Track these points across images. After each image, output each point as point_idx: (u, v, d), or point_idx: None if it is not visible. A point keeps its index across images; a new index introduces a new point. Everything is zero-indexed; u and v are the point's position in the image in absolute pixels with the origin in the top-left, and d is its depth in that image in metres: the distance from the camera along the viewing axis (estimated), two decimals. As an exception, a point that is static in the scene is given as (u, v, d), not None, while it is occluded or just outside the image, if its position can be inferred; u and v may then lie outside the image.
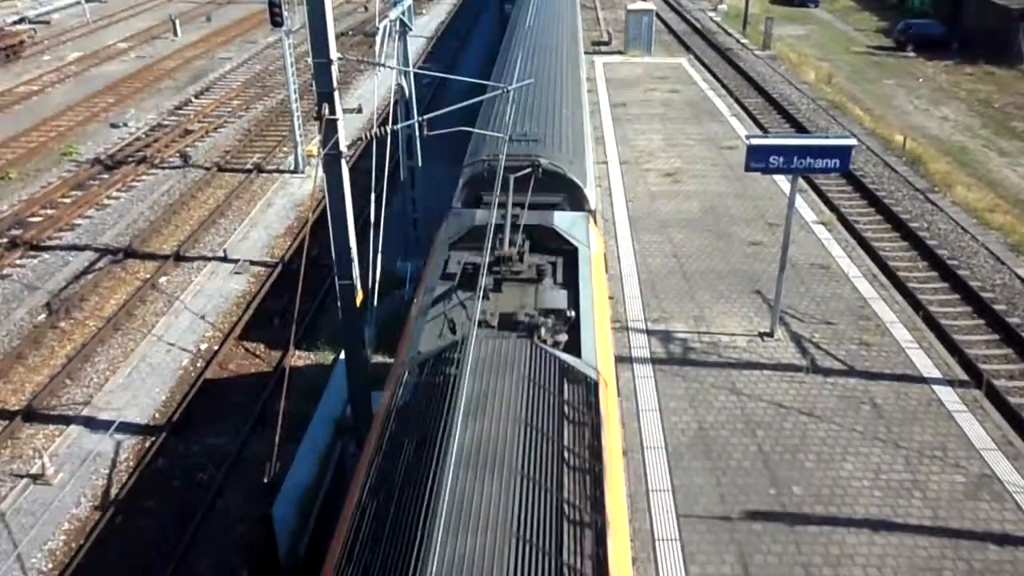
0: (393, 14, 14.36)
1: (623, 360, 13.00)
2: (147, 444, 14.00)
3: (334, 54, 9.54)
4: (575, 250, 9.41)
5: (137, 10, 52.45)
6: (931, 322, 15.85)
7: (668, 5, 51.38)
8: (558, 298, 8.31)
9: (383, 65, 11.51)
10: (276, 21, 21.97)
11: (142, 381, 15.65)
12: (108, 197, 23.66)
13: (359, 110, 10.32)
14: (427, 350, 7.57)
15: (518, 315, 7.90)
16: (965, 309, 17.46)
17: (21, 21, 47.00)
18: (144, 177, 25.11)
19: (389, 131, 10.92)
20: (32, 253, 20.43)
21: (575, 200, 11.56)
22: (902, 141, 27.00)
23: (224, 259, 20.24)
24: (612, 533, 5.69)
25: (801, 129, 28.39)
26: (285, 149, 27.04)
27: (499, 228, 9.02)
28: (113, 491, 13.03)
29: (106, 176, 25.05)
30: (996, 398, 13.67)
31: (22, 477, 13.21)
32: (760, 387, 12.37)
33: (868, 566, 9.27)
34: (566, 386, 6.99)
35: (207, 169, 25.53)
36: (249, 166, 25.80)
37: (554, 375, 7.05)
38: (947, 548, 9.51)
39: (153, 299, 18.53)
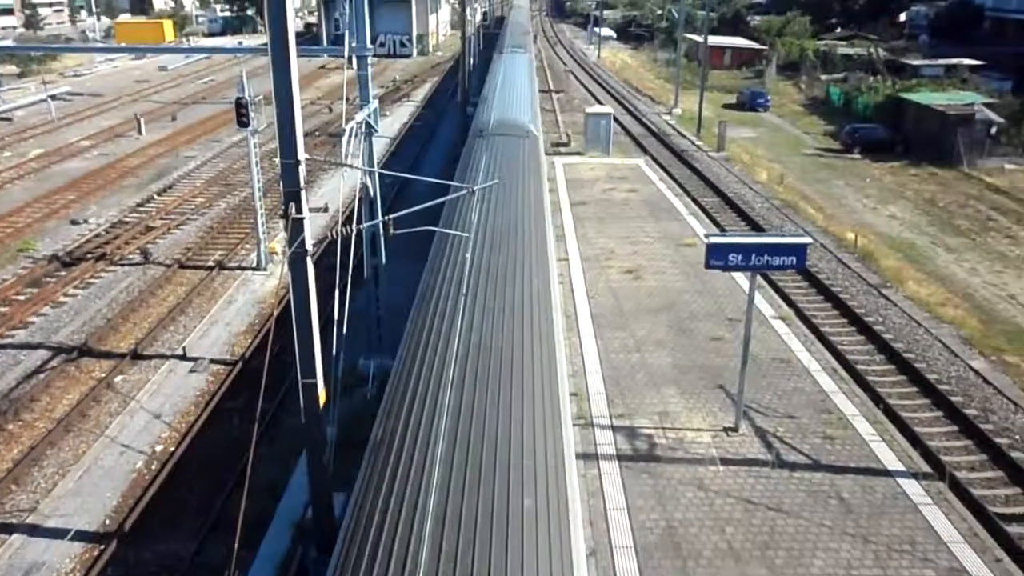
0: (360, 116, 14.68)
1: (589, 457, 12.89)
2: (96, 553, 13.39)
3: (302, 155, 9.68)
4: None
5: (102, 109, 52.97)
6: (892, 415, 16.02)
7: (625, 109, 53.24)
8: None
9: (350, 166, 11.69)
10: (242, 122, 22.29)
11: (93, 485, 15.08)
12: (64, 294, 23.31)
13: (325, 209, 10.42)
14: None
15: None
16: (924, 401, 17.72)
17: (-17, 119, 47.10)
18: (103, 274, 24.84)
19: (354, 229, 11.01)
20: (-18, 352, 19.91)
21: None
22: (854, 238, 27.85)
23: (183, 357, 19.90)
24: None
25: (756, 227, 29.19)
26: (248, 246, 27.03)
27: None
28: (57, 603, 12.38)
29: (63, 273, 24.74)
30: (959, 490, 13.74)
31: (-40, 590, 12.53)
32: (727, 483, 12.31)
33: (843, 668, 9.08)
34: None
35: (168, 266, 25.37)
36: (211, 263, 25.70)
37: None
38: (921, 647, 9.37)
39: (108, 399, 18.06)
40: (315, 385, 10.74)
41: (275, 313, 20.77)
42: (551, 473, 7.33)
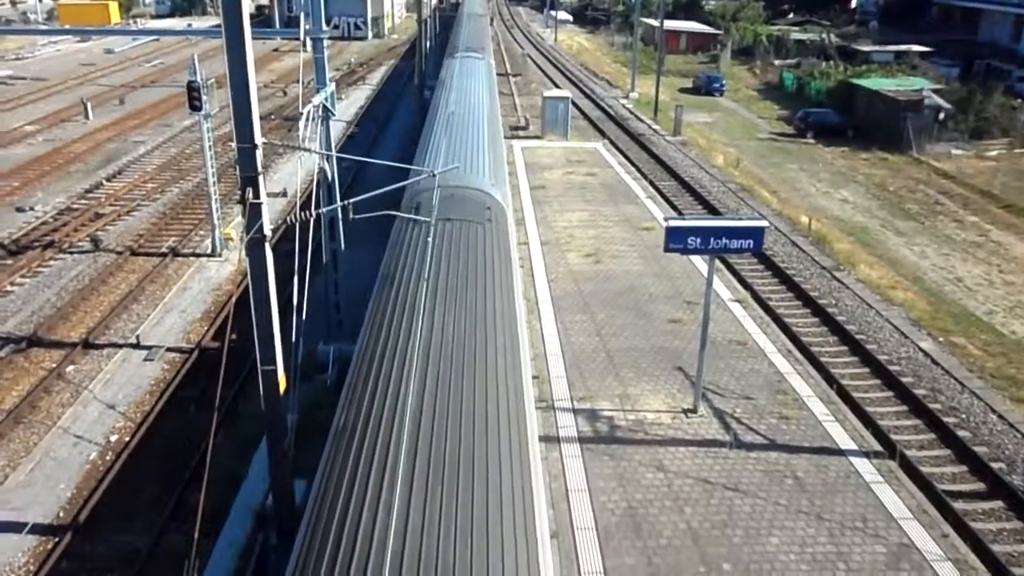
0: (316, 100, 14.49)
1: (550, 440, 12.97)
2: (50, 546, 13.15)
3: (259, 139, 9.54)
4: None
5: (47, 93, 51.48)
6: (845, 395, 16.38)
7: (583, 93, 53.28)
8: None
9: (307, 150, 11.54)
10: (195, 106, 21.87)
11: (46, 478, 14.78)
12: (11, 284, 22.69)
13: (284, 194, 10.29)
14: None
15: None
16: (875, 382, 18.13)
17: (-79, 103, 45.52)
18: (51, 263, 24.24)
19: (312, 214, 10.89)
20: (-74, 343, 19.36)
21: None
22: (807, 222, 28.31)
23: (137, 346, 19.54)
24: None
25: (713, 211, 29.51)
26: (202, 232, 26.56)
27: None
28: (11, 598, 12.15)
29: (9, 262, 24.08)
30: (909, 468, 14.12)
31: (-92, 586, 12.21)
32: (686, 464, 12.49)
33: (800, 642, 9.29)
34: None
35: (119, 253, 24.84)
36: (164, 250, 25.21)
37: None
38: (874, 620, 9.62)
39: (59, 389, 17.68)
40: (275, 372, 10.64)
41: (233, 299, 20.50)
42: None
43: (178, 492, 14.25)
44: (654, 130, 43.40)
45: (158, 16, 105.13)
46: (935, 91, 44.81)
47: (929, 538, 10.99)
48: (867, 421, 15.46)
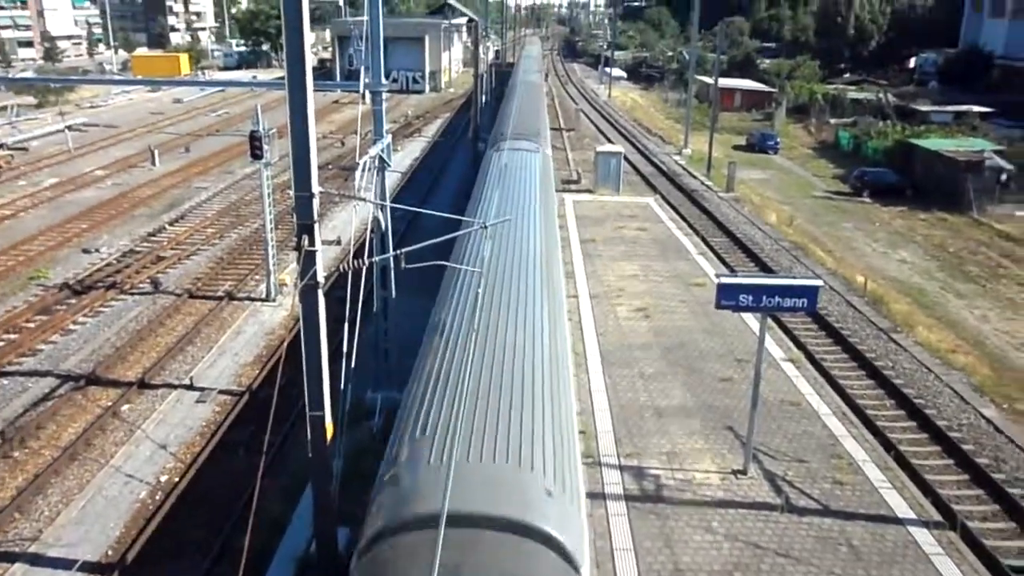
0: (373, 151, 14.79)
1: (596, 497, 12.76)
2: (96, 583, 13.28)
3: (316, 187, 9.74)
4: None
5: (117, 140, 53.56)
6: (902, 461, 15.85)
7: (635, 148, 53.57)
8: None
9: (362, 199, 11.75)
10: (256, 154, 22.51)
11: (97, 515, 14.98)
12: (74, 322, 23.37)
13: (338, 242, 10.46)
14: None
15: None
16: (934, 448, 17.53)
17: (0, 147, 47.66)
18: (113, 303, 24.92)
19: (365, 263, 11.04)
20: (-10, 378, 19.93)
21: None
22: (863, 282, 27.79)
23: (190, 387, 19.87)
24: None
25: (766, 268, 29.17)
26: (257, 277, 27.10)
27: None
28: (56, 634, 12.24)
29: (73, 301, 24.82)
30: (971, 540, 13.54)
31: (-42, 618, 12.40)
32: (736, 526, 12.16)
33: None
34: None
35: (178, 296, 25.45)
36: (220, 293, 25.76)
37: None
38: None
39: (114, 428, 18.02)
40: (323, 418, 10.69)
41: (284, 344, 20.76)
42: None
43: (224, 535, 14.30)
44: (707, 186, 43.30)
45: (225, 68, 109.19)
46: (996, 152, 43.99)
47: (992, 616, 10.49)
48: (926, 489, 14.93)
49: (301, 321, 10.42)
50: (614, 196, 34.63)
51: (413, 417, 8.64)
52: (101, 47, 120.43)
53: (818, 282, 13.30)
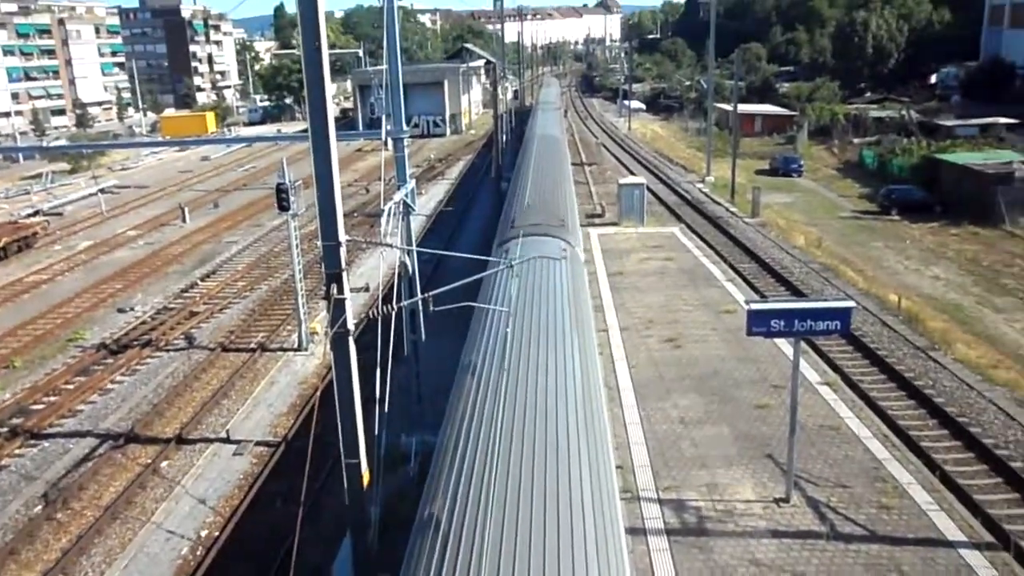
0: (397, 196, 14.99)
1: (636, 532, 12.59)
2: (141, 641, 13.30)
3: (343, 236, 9.88)
4: None
5: (148, 200, 54.72)
6: (949, 482, 15.48)
7: (658, 178, 53.64)
8: None
9: (389, 245, 11.89)
10: (283, 206, 22.87)
11: (140, 574, 15.05)
12: (112, 382, 23.71)
13: (366, 289, 10.57)
14: None
15: None
16: (981, 467, 17.11)
17: (35, 214, 48.88)
18: (148, 360, 25.27)
19: (394, 308, 11.13)
20: (32, 442, 20.22)
21: None
22: (897, 300, 27.41)
23: (226, 440, 20.01)
24: None
25: (796, 292, 28.88)
26: (289, 327, 27.37)
27: None
28: None
29: (110, 360, 25.22)
30: (1027, 561, 13.15)
31: None
32: (781, 556, 11.91)
33: None
34: None
35: (211, 350, 25.74)
36: (253, 345, 26.03)
37: None
38: None
39: (153, 485, 18.16)
40: (358, 465, 10.72)
41: (318, 393, 20.88)
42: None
43: (265, 587, 14.30)
44: (731, 212, 43.16)
45: (250, 123, 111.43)
46: (1025, 162, 43.47)
47: (1054, 639, 10.14)
48: (976, 510, 14.55)
49: (333, 369, 10.51)
50: (639, 228, 34.62)
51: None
52: (130, 110, 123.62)
53: (850, 303, 13.14)
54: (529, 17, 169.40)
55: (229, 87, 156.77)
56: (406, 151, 16.58)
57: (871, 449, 14.95)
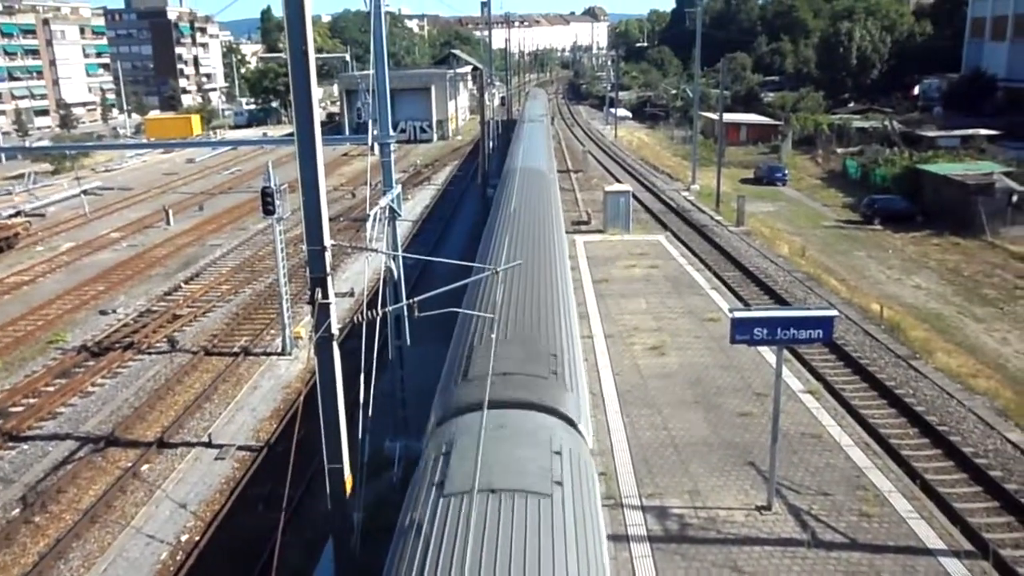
0: (383, 201, 14.97)
1: (619, 539, 12.61)
2: (120, 646, 13.18)
3: (328, 241, 9.86)
4: None
5: (132, 202, 54.38)
6: (929, 490, 15.60)
7: (643, 186, 53.82)
8: None
9: (374, 250, 11.87)
10: (268, 210, 22.80)
11: (118, 577, 14.94)
12: (93, 384, 23.51)
13: (351, 294, 10.54)
14: None
15: None
16: (961, 476, 17.26)
17: (17, 215, 48.46)
18: (130, 363, 25.09)
19: (379, 313, 11.11)
20: (10, 444, 20.03)
21: None
22: (879, 309, 27.63)
23: (208, 444, 19.89)
24: None
25: (780, 301, 29.05)
26: (273, 332, 27.25)
27: None
28: None
29: (92, 363, 25.01)
30: (1005, 569, 13.27)
31: None
32: (762, 564, 11.97)
33: None
34: None
35: (194, 353, 25.59)
36: (236, 349, 25.90)
37: None
38: None
39: (134, 488, 18.02)
40: (341, 470, 10.68)
41: (301, 398, 20.80)
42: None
43: (245, 593, 14.21)
44: (716, 221, 43.38)
45: (236, 126, 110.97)
46: (1006, 174, 43.93)
47: (1031, 646, 10.23)
48: (955, 518, 14.68)
49: (317, 374, 10.48)
50: (624, 235, 34.72)
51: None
52: (115, 112, 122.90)
53: (833, 312, 13.25)
54: (516, 24, 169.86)
55: (215, 90, 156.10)
56: (392, 156, 16.55)
57: (852, 457, 15.05)
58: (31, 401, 22.33)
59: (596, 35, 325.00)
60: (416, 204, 50.89)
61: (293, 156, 9.83)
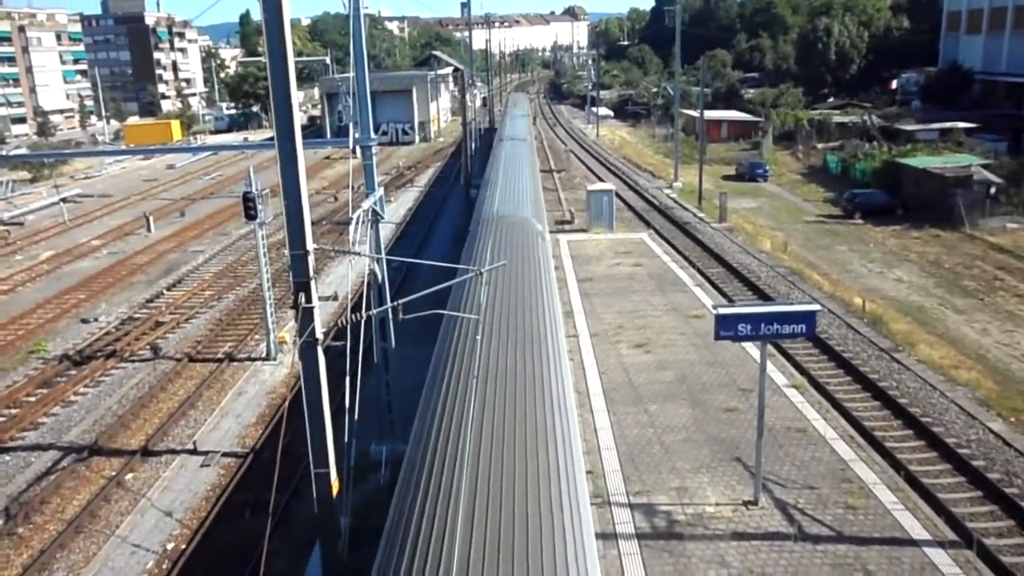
0: (366, 204, 14.93)
1: (607, 537, 12.64)
2: (107, 657, 13.08)
3: (310, 245, 9.83)
4: None
5: (112, 208, 53.96)
6: (913, 482, 15.72)
7: (626, 185, 53.95)
8: None
9: (357, 253, 11.84)
10: (250, 215, 22.67)
11: (104, 587, 14.82)
12: (75, 393, 23.31)
13: (335, 297, 10.52)
14: None
15: None
16: (945, 467, 17.41)
17: (-5, 224, 47.99)
18: (113, 371, 24.89)
19: (363, 316, 11.09)
20: (-7, 455, 19.83)
21: None
22: (861, 303, 27.82)
23: (193, 451, 19.76)
24: None
25: (763, 296, 29.21)
26: (257, 337, 27.11)
27: None
28: None
29: (74, 372, 24.80)
30: (989, 558, 13.38)
31: None
32: (750, 558, 12.03)
33: None
34: None
35: (178, 360, 25.43)
36: (220, 355, 25.75)
37: None
38: None
39: (118, 498, 17.88)
40: (328, 474, 10.65)
41: (286, 403, 20.70)
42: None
43: (234, 600, 14.13)
44: (699, 218, 43.56)
45: (216, 131, 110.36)
46: (984, 166, 44.36)
47: (1016, 634, 10.34)
48: (939, 508, 14.80)
49: (302, 378, 10.45)
50: (608, 234, 34.81)
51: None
52: (93, 118, 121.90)
53: (816, 307, 13.35)
54: (497, 24, 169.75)
55: (195, 95, 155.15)
56: (374, 159, 16.51)
57: (837, 450, 15.15)
58: (12, 412, 22.10)
59: (576, 34, 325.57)
60: (399, 206, 50.79)
61: (274, 160, 9.79)
